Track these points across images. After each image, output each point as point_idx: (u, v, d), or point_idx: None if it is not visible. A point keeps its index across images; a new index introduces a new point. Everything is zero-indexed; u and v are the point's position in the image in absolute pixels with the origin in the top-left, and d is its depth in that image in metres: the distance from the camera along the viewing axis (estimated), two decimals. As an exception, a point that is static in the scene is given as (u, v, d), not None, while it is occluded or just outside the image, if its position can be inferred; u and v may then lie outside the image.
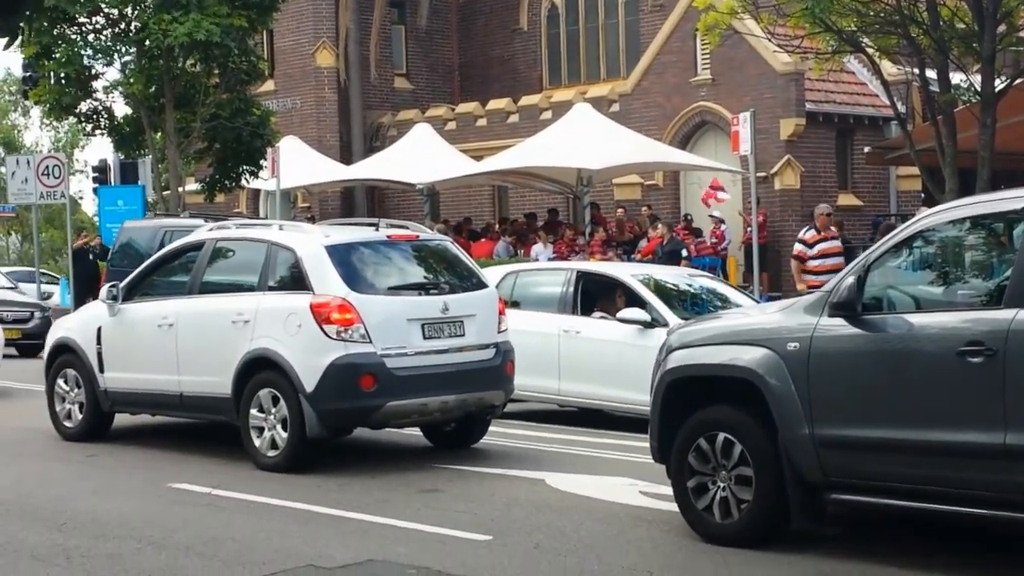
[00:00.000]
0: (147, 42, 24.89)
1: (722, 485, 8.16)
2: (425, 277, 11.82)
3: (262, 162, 26.64)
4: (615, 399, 13.58)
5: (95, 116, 26.92)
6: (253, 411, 11.21)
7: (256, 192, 35.00)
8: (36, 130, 73.64)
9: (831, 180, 27.64)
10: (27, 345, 22.83)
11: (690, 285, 14.49)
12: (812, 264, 18.07)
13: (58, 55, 25.22)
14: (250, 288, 11.63)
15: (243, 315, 11.38)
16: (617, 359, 13.32)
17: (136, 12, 25.46)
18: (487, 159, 28.11)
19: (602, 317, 13.98)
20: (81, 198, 60.54)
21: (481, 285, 11.90)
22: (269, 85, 35.22)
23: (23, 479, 10.95)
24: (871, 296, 7.73)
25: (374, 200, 35.67)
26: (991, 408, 7.05)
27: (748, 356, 8.04)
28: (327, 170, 31.76)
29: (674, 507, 8.61)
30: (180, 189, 27.37)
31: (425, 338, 11.20)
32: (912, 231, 7.82)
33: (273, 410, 11.08)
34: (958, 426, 7.19)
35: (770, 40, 21.04)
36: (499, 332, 11.79)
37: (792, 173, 26.85)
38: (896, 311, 7.73)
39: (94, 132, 27.66)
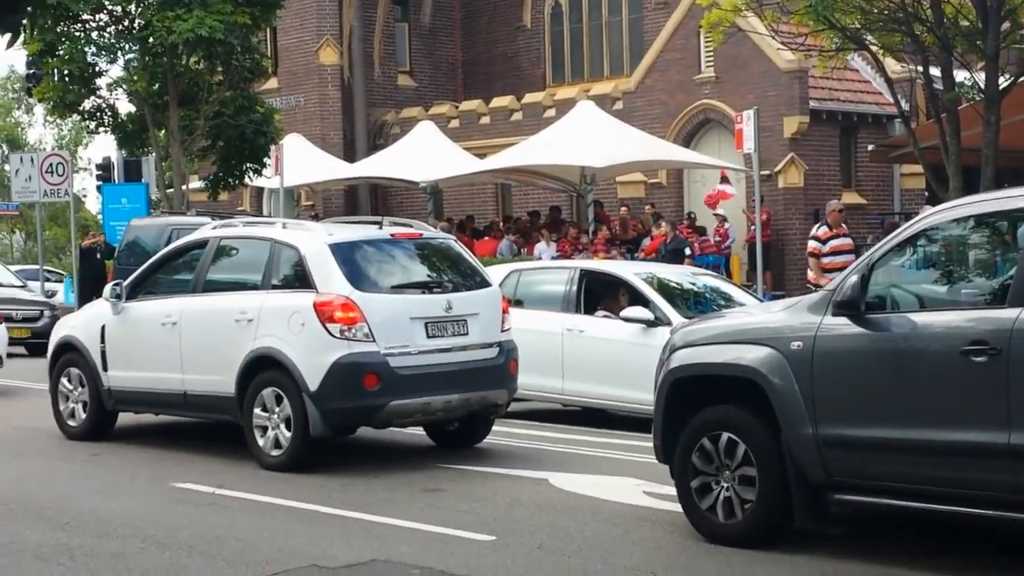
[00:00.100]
0: (151, 39, 24.87)
1: (726, 485, 8.15)
2: (428, 276, 11.81)
3: (266, 160, 26.63)
4: (619, 398, 13.57)
5: (99, 114, 26.92)
6: (257, 410, 11.21)
7: (260, 190, 35.01)
8: (39, 128, 73.69)
9: (835, 178, 27.60)
10: (36, 344, 22.80)
11: (693, 284, 14.48)
12: (824, 261, 18.07)
13: (62, 52, 25.21)
14: (254, 286, 11.63)
15: (247, 314, 11.38)
16: (620, 358, 13.31)
17: (140, 9, 25.45)
18: (490, 157, 28.09)
19: (605, 316, 13.97)
20: (85, 196, 60.55)
21: (485, 284, 11.89)
22: (273, 83, 35.22)
23: (26, 478, 10.95)
24: (875, 295, 7.72)
25: (378, 198, 35.66)
26: (995, 407, 7.04)
27: (752, 355, 8.03)
28: (331, 168, 31.75)
29: (678, 507, 8.61)
30: (184, 187, 27.36)
31: (428, 337, 11.19)
32: (916, 230, 7.81)
33: (277, 409, 11.08)
34: (962, 426, 7.18)
35: (774, 37, 21.02)
36: (503, 331, 11.79)
37: (796, 171, 26.82)
38: (900, 310, 7.72)
39: (98, 130, 27.67)
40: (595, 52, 35.29)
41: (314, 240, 11.41)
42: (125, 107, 27.62)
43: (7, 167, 43.78)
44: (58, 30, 25.28)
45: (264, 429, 11.18)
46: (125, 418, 13.31)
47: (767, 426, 7.94)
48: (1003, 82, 17.15)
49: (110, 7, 25.75)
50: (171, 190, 27.47)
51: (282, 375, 11.04)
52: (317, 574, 7.68)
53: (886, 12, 17.90)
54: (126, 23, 25.87)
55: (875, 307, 7.69)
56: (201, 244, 12.41)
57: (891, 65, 21.96)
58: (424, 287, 11.56)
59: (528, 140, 27.10)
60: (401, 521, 8.94)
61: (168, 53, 25.35)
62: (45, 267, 31.87)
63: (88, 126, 28.38)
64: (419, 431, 12.51)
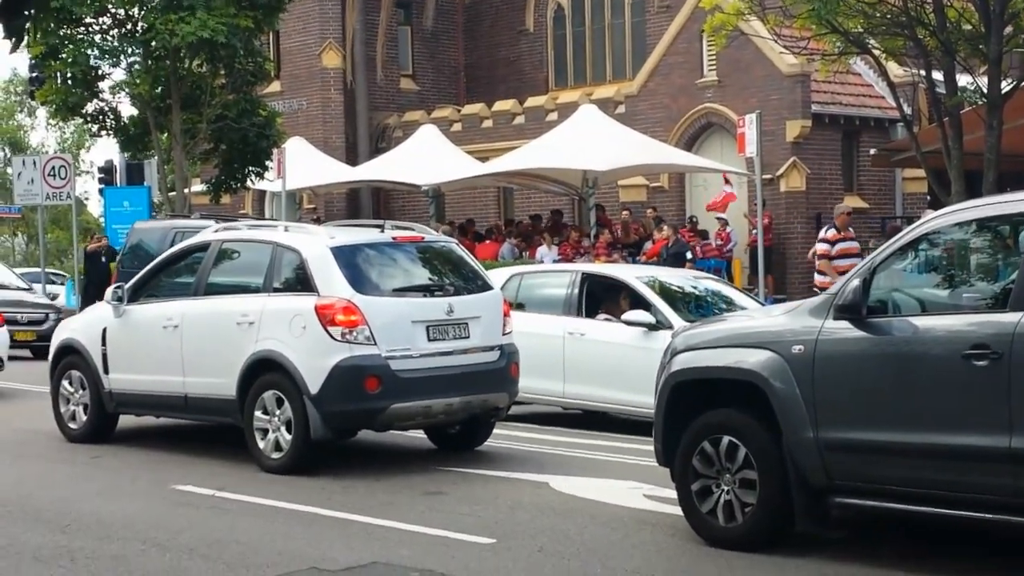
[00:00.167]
0: (153, 43, 24.91)
1: (726, 488, 8.14)
2: (430, 279, 11.81)
3: (268, 163, 26.67)
4: (619, 402, 13.56)
5: (101, 117, 26.97)
6: (257, 413, 11.20)
7: (262, 193, 35.04)
8: (42, 131, 73.72)
9: (837, 182, 27.60)
10: (41, 347, 22.76)
11: (695, 287, 14.47)
12: (832, 263, 18.09)
13: (65, 55, 25.26)
14: (255, 289, 11.63)
15: (248, 317, 11.37)
16: (622, 361, 13.30)
17: (143, 13, 25.50)
18: (492, 160, 28.10)
19: (607, 319, 13.96)
20: (87, 199, 60.55)
21: (486, 287, 11.89)
22: (275, 86, 35.24)
23: (26, 480, 10.95)
24: (876, 299, 7.70)
25: (379, 201, 35.67)
26: (996, 411, 7.03)
27: (753, 359, 8.02)
28: (333, 171, 31.78)
29: (678, 510, 8.60)
30: (186, 190, 27.40)
31: (430, 340, 11.19)
32: (918, 234, 7.80)
33: (278, 412, 11.08)
34: (963, 430, 7.17)
35: (776, 41, 21.03)
36: (504, 334, 11.78)
37: (798, 175, 26.82)
38: (901, 314, 7.71)
39: (100, 133, 27.72)
40: (597, 56, 35.30)
41: (316, 243, 11.41)
42: (128, 110, 27.71)
43: (10, 170, 43.80)
44: (61, 33, 25.33)
45: (265, 432, 11.17)
46: (126, 421, 13.31)
47: (768, 430, 7.93)
48: (1005, 86, 17.17)
49: (113, 10, 25.80)
50: (173, 193, 27.51)
51: (283, 378, 11.03)
52: (317, 577, 7.69)
53: (889, 16, 17.92)
54: (129, 26, 25.92)
55: (877, 311, 7.68)
56: (203, 247, 12.41)
57: (893, 69, 21.98)
58: (425, 290, 11.55)
59: (530, 144, 27.11)
60: (402, 524, 8.93)
61: (171, 56, 25.39)
62: (52, 270, 31.95)
63: (91, 129, 28.42)
64: (420, 434, 12.50)
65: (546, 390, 14.01)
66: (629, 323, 13.36)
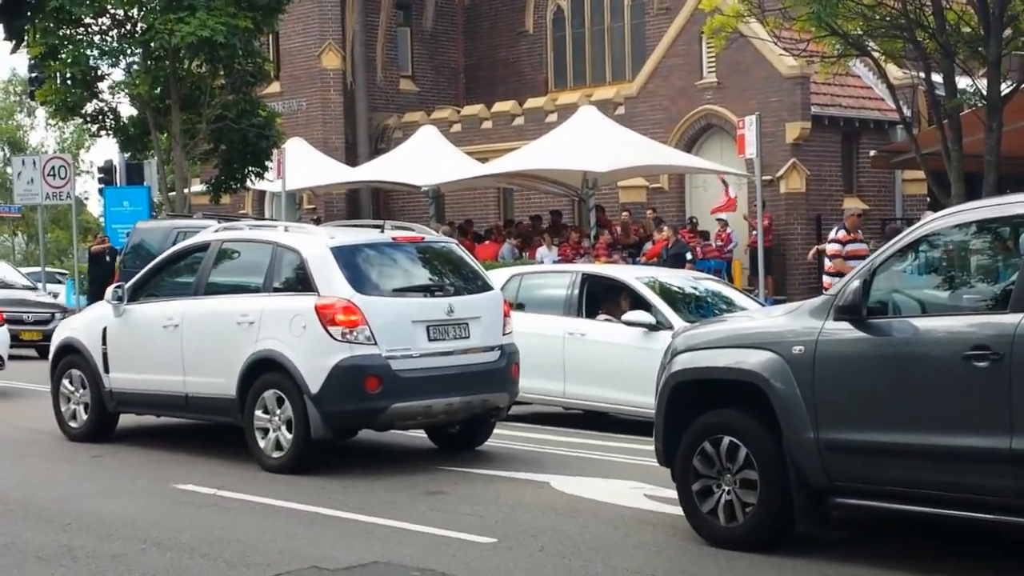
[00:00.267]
0: (153, 43, 24.92)
1: (727, 489, 8.15)
2: (430, 279, 11.82)
3: (268, 163, 26.67)
4: (620, 402, 13.58)
5: (101, 117, 26.97)
6: (258, 412, 11.22)
7: (261, 193, 35.04)
8: (41, 131, 73.69)
9: (837, 184, 27.62)
10: (47, 347, 22.70)
11: (695, 288, 14.48)
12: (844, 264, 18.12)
13: (64, 56, 25.27)
14: (255, 289, 11.64)
15: (248, 316, 11.38)
16: (622, 362, 13.32)
17: (142, 13, 25.50)
18: (492, 161, 28.11)
19: (607, 320, 13.98)
20: (87, 199, 60.57)
21: (486, 287, 11.90)
22: (275, 87, 35.24)
23: (28, 479, 10.96)
24: (876, 300, 7.71)
25: (379, 202, 35.67)
26: (997, 412, 7.04)
27: (753, 359, 8.03)
28: (332, 172, 31.78)
29: (679, 510, 8.61)
30: (186, 190, 27.40)
31: (430, 340, 11.20)
32: (918, 235, 7.81)
33: (278, 411, 11.09)
34: (963, 431, 7.18)
35: (776, 43, 21.04)
36: (504, 334, 11.79)
37: (798, 177, 26.84)
38: (901, 315, 7.72)
39: (100, 133, 27.71)
40: (597, 57, 35.31)
41: (316, 243, 11.42)
42: (127, 110, 27.72)
43: (9, 170, 43.81)
44: (61, 33, 25.33)
45: (265, 431, 11.18)
46: (126, 420, 13.32)
47: (769, 430, 7.95)
48: (1005, 88, 17.19)
49: (112, 11, 25.79)
50: (173, 193, 27.51)
51: (283, 377, 11.04)
52: (318, 576, 7.70)
53: (888, 18, 17.93)
54: (128, 27, 25.92)
55: (877, 312, 7.69)
56: (203, 247, 12.42)
57: (893, 71, 22.01)
58: (426, 290, 11.56)
59: (530, 145, 27.12)
60: (403, 523, 8.94)
61: (170, 57, 25.39)
62: (57, 270, 31.95)
63: (90, 129, 28.41)
64: (420, 434, 12.52)
65: (546, 390, 14.02)
66: (629, 324, 13.38)
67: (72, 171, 28.39)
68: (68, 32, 25.60)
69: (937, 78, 18.11)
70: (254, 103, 27.27)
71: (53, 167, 28.00)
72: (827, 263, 18.91)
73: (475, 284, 11.85)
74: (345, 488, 10.30)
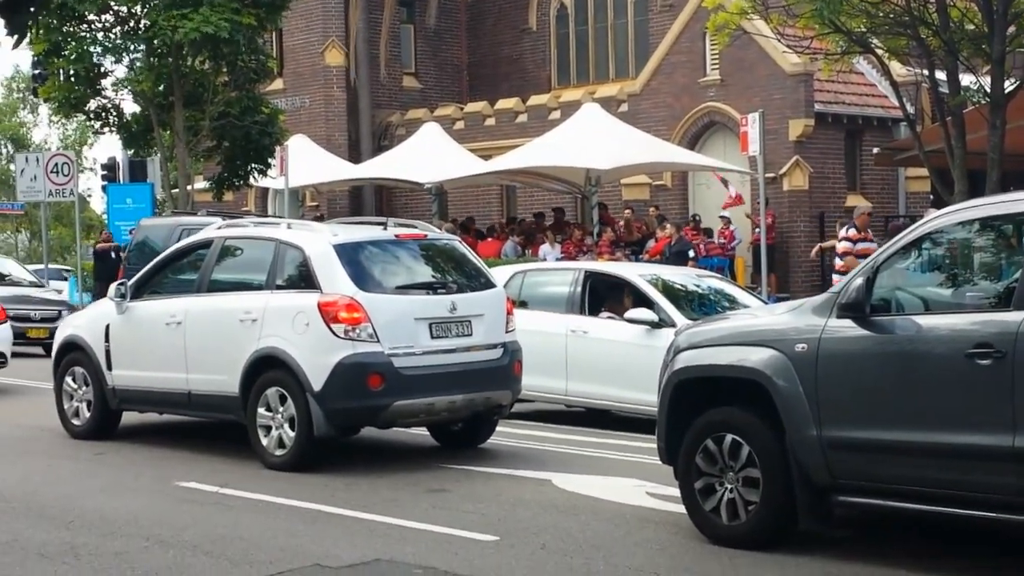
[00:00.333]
0: (156, 40, 24.92)
1: (729, 486, 8.15)
2: (433, 276, 11.81)
3: (271, 160, 26.68)
4: (622, 399, 13.58)
5: (104, 114, 26.97)
6: (261, 410, 11.21)
7: (264, 191, 35.03)
8: (45, 127, 73.85)
9: (840, 181, 27.62)
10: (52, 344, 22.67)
11: (698, 286, 14.47)
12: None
13: (67, 52, 25.27)
14: (258, 287, 11.64)
15: (251, 314, 11.38)
16: (624, 359, 13.31)
17: (145, 10, 25.51)
18: (495, 159, 28.10)
19: (610, 317, 13.97)
20: (90, 196, 60.59)
21: (489, 285, 11.90)
22: (278, 84, 35.25)
23: (30, 477, 10.96)
24: (879, 297, 7.71)
25: (382, 199, 35.68)
26: (1000, 410, 7.04)
27: (756, 357, 8.03)
28: (335, 169, 31.77)
29: (681, 508, 8.61)
30: (189, 187, 27.40)
31: (433, 337, 11.19)
32: (921, 232, 7.80)
33: (281, 409, 11.08)
34: (966, 428, 7.17)
35: (779, 41, 21.03)
36: (507, 332, 11.78)
37: (801, 174, 26.82)
38: (905, 312, 7.70)
39: (103, 130, 27.73)
40: (600, 54, 35.30)
41: (319, 240, 11.42)
42: (130, 107, 27.71)
43: (12, 167, 43.81)
44: (64, 30, 25.35)
45: (268, 429, 11.18)
46: (129, 417, 13.32)
47: (771, 428, 7.94)
48: (1009, 86, 17.17)
49: (116, 7, 25.80)
50: (176, 190, 27.55)
51: (286, 375, 11.04)
52: (320, 574, 7.68)
53: (892, 16, 17.92)
54: (132, 23, 25.92)
55: (880, 309, 7.68)
56: (206, 244, 12.42)
57: (896, 69, 21.97)
58: (428, 288, 11.55)
59: (533, 142, 27.11)
60: (405, 521, 8.94)
61: (173, 53, 25.39)
62: (64, 267, 31.97)
63: (93, 126, 28.44)
64: (423, 431, 12.51)
65: (549, 388, 14.02)
66: (632, 321, 13.37)
67: (75, 168, 28.43)
68: (72, 29, 25.61)
69: (941, 75, 18.10)
70: (257, 100, 27.26)
71: (56, 164, 28.02)
72: (837, 262, 18.89)
73: (478, 281, 11.84)
74: (347, 486, 10.30)
